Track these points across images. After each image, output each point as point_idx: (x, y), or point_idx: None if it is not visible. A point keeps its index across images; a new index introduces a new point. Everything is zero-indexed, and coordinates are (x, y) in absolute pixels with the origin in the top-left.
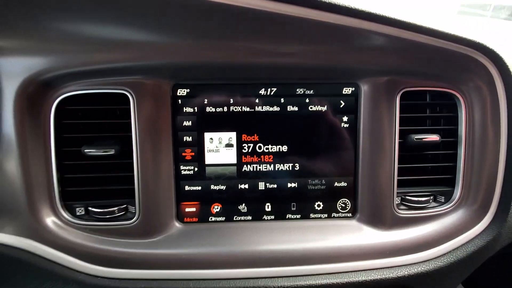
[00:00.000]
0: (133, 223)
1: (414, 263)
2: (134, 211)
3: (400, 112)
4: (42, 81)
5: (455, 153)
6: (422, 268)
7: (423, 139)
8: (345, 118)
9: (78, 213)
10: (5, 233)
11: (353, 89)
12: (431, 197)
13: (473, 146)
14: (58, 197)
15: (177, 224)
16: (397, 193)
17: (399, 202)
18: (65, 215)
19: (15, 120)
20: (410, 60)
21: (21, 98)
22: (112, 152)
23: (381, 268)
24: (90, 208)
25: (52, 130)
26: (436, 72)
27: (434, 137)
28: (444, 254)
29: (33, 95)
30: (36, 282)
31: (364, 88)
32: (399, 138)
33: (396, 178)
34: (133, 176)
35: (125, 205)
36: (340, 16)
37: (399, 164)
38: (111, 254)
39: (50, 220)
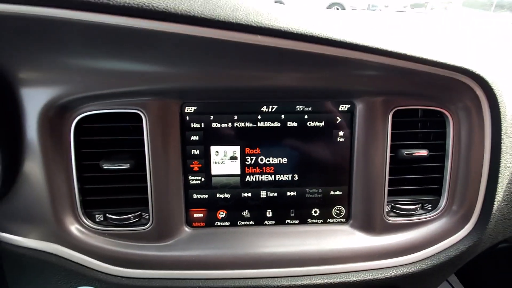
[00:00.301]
0: (147, 228)
1: (401, 265)
2: (147, 218)
3: (392, 128)
4: (61, 104)
5: (442, 165)
6: (408, 270)
7: (413, 154)
8: (341, 133)
9: (97, 220)
10: (33, 238)
11: (349, 106)
12: (419, 205)
13: (459, 160)
14: (80, 205)
15: (187, 229)
16: (388, 201)
17: (389, 209)
18: (87, 221)
19: (39, 139)
20: (402, 83)
21: (43, 120)
22: (126, 166)
23: (371, 270)
24: (108, 215)
25: (72, 146)
26: (427, 93)
27: (423, 152)
28: (428, 257)
29: (53, 117)
30: (64, 280)
31: (359, 106)
32: (391, 152)
33: (387, 188)
34: (146, 186)
35: (139, 212)
36: (336, 48)
37: (390, 175)
38: (128, 256)
39: (73, 227)
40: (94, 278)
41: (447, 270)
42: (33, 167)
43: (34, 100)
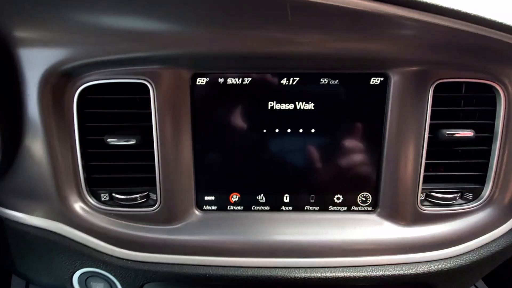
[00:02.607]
0: (154, 210)
1: (435, 260)
2: (155, 199)
3: (432, 105)
4: (63, 71)
5: (489, 149)
6: (443, 266)
7: (455, 135)
8: (371, 110)
9: (103, 199)
10: (37, 216)
11: (382, 79)
12: (458, 194)
13: (509, 143)
14: (84, 183)
15: (197, 212)
16: (422, 189)
17: (424, 198)
18: (91, 200)
19: (40, 110)
20: (447, 49)
21: (44, 88)
22: (133, 142)
23: (400, 264)
24: (114, 195)
25: (76, 119)
26: (475, 63)
27: (468, 133)
28: (467, 252)
29: (55, 85)
30: (68, 260)
31: (394, 78)
32: (429, 133)
33: (422, 173)
34: (154, 165)
35: (146, 193)
36: (368, 1)
37: (426, 159)
38: (134, 238)
39: (77, 205)
40: (99, 260)
41: (486, 267)
42: (35, 140)
43: (35, 66)
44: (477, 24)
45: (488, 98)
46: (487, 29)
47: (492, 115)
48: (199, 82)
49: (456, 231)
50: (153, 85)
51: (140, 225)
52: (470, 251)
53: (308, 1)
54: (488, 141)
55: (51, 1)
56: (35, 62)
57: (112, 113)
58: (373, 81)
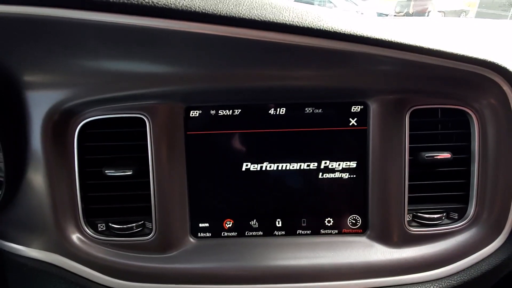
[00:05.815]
0: (150, 238)
1: (426, 281)
2: (150, 227)
3: (410, 130)
4: (65, 109)
5: (468, 169)
6: (434, 287)
7: (434, 157)
8: (354, 136)
9: (99, 229)
10: (34, 248)
11: (362, 107)
12: (444, 214)
13: (486, 162)
14: (82, 214)
15: (192, 240)
16: (408, 210)
17: (411, 219)
18: (88, 231)
19: (43, 145)
20: (419, 80)
21: (47, 125)
22: (129, 172)
23: (392, 286)
24: (110, 224)
25: (76, 152)
26: (447, 90)
27: (446, 155)
28: (457, 272)
29: (57, 122)
30: None
31: (373, 106)
32: (410, 156)
33: (407, 195)
34: (149, 194)
35: (142, 222)
36: (347, 43)
37: (410, 181)
38: (130, 268)
39: (75, 236)
40: None
41: (479, 287)
42: (36, 174)
43: (39, 105)
44: (447, 59)
45: (462, 121)
46: (455, 62)
47: (468, 137)
48: (192, 114)
49: (445, 251)
50: (149, 119)
51: (136, 255)
52: (461, 271)
53: (290, 44)
54: (466, 162)
55: (59, 48)
56: (40, 102)
57: (109, 146)
58: (354, 109)
